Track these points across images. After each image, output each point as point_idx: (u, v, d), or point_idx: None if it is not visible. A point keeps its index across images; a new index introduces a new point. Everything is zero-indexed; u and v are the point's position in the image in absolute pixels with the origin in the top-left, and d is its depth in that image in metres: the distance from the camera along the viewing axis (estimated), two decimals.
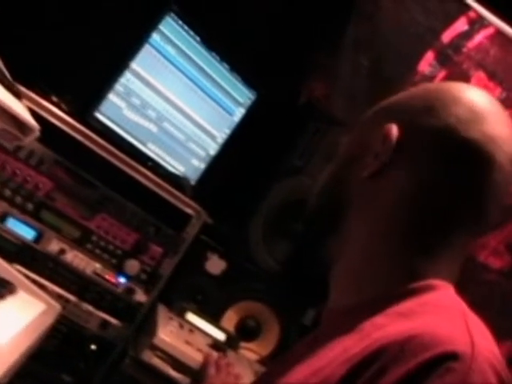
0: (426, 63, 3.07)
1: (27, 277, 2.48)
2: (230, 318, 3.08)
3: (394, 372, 0.89)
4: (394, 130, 1.14)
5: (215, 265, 3.06)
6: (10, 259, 2.52)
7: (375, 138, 1.17)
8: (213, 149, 3.19)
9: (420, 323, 0.98)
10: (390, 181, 1.14)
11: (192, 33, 2.99)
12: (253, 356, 3.06)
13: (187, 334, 2.79)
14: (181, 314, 2.94)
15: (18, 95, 2.01)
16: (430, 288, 1.08)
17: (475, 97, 1.16)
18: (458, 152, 1.10)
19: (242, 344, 3.03)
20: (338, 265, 1.20)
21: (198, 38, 3.01)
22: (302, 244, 1.33)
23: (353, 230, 1.18)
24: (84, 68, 2.94)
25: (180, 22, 2.95)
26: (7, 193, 2.63)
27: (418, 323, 0.98)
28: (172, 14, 2.91)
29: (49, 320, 2.27)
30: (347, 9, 3.17)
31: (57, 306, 2.36)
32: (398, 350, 0.92)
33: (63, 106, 2.74)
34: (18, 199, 2.65)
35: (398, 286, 1.09)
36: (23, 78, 2.38)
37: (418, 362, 0.89)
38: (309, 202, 1.29)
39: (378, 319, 1.03)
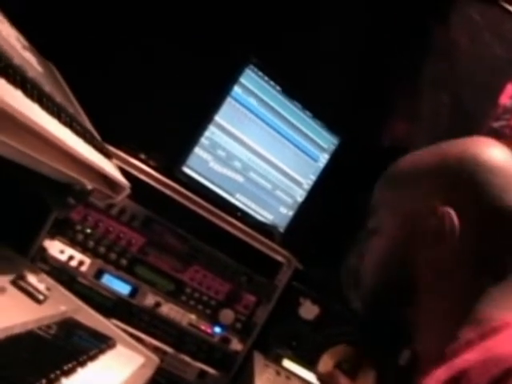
0: (507, 96, 3.02)
1: (125, 331, 2.53)
2: (326, 363, 3.06)
3: None
4: (453, 216, 1.21)
5: (308, 310, 3.06)
6: (108, 314, 2.58)
7: (424, 216, 1.25)
8: (300, 195, 3.22)
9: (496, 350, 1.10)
10: (451, 250, 1.22)
11: (272, 83, 3.05)
12: None
13: (284, 381, 2.80)
14: (277, 361, 2.95)
15: (107, 155, 2.09)
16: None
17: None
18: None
19: None
20: (418, 318, 1.28)
21: (278, 88, 3.07)
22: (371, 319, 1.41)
23: (427, 297, 1.27)
24: (169, 124, 3.02)
25: (260, 74, 3.01)
26: (102, 250, 2.72)
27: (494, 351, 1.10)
28: (251, 66, 2.98)
29: (148, 373, 2.29)
30: (424, 48, 3.17)
31: (155, 359, 2.38)
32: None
33: (152, 162, 2.82)
34: (113, 256, 2.74)
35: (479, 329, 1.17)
36: (112, 139, 2.48)
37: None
38: (362, 282, 1.37)
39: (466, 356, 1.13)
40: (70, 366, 1.64)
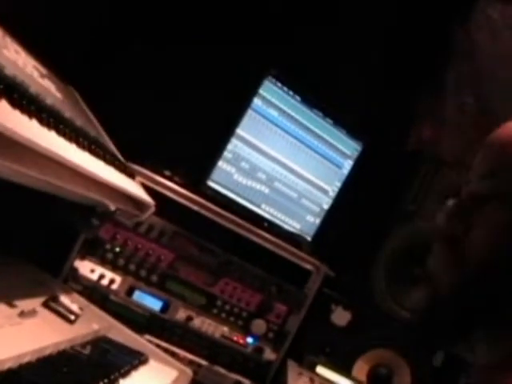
0: None
1: (158, 346, 2.57)
2: (361, 368, 3.07)
3: None
4: None
5: (340, 316, 3.07)
6: (140, 330, 2.62)
7: None
8: (326, 203, 3.23)
9: None
10: None
11: (292, 93, 3.07)
12: None
13: None
14: (311, 368, 2.97)
15: (130, 175, 2.12)
16: None
17: None
18: None
19: None
20: None
21: (298, 98, 3.09)
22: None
23: None
24: (192, 140, 3.06)
25: (279, 84, 3.04)
26: (132, 267, 2.76)
27: None
28: (270, 78, 3.01)
29: None
30: (445, 50, 3.18)
31: (189, 372, 2.40)
32: None
33: (176, 178, 2.86)
34: (143, 272, 2.78)
35: None
36: (136, 157, 2.52)
37: None
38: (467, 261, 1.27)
39: None
40: (101, 383, 1.67)
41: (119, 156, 2.17)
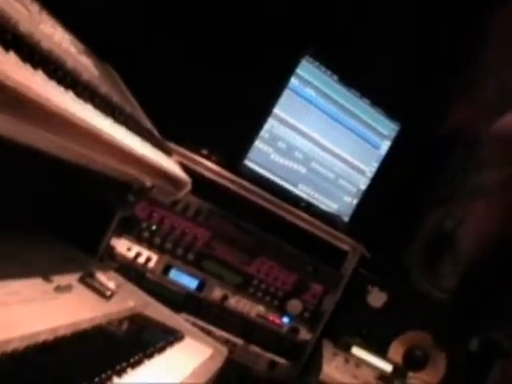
0: None
1: (194, 324, 2.57)
2: (397, 349, 3.06)
3: None
4: None
5: (376, 297, 3.06)
6: (176, 308, 2.62)
7: None
8: (363, 183, 3.21)
9: None
10: None
11: (329, 72, 3.05)
12: None
13: (353, 368, 2.81)
14: (346, 349, 2.97)
15: (168, 152, 2.13)
16: None
17: None
18: None
19: (410, 374, 3.00)
20: None
21: (335, 77, 3.07)
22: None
23: None
24: (229, 119, 3.06)
25: (316, 64, 3.02)
26: (168, 246, 2.77)
27: None
28: (308, 57, 2.99)
29: (217, 364, 2.31)
30: (485, 30, 3.13)
31: (223, 350, 2.40)
32: None
33: (213, 157, 2.86)
34: (179, 251, 2.79)
35: None
36: (173, 136, 2.52)
37: None
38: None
39: None
40: (136, 358, 1.67)
41: (156, 133, 2.17)
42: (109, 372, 1.46)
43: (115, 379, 1.46)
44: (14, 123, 1.05)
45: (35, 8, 1.61)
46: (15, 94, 0.95)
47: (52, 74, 1.20)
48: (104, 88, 1.75)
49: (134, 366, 1.62)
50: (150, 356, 1.78)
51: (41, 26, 1.54)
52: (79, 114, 1.22)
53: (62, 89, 1.24)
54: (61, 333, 1.54)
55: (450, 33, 3.21)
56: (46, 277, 1.79)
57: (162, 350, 1.93)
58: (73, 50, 1.77)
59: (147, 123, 2.19)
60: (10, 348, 1.27)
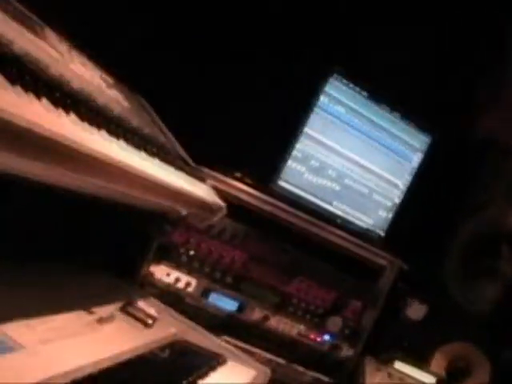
0: None
1: (235, 346, 2.58)
2: (439, 362, 3.05)
3: None
4: None
5: (416, 310, 3.06)
6: (217, 332, 2.63)
7: None
8: (397, 197, 3.22)
9: None
10: None
11: (358, 89, 3.07)
12: None
13: (397, 382, 2.81)
14: (388, 364, 2.97)
15: (201, 178, 2.16)
16: None
17: None
18: None
19: None
20: None
21: (364, 93, 3.08)
22: None
23: None
24: (261, 140, 3.08)
25: (344, 81, 3.04)
26: (206, 270, 2.79)
27: None
28: (335, 75, 3.01)
29: None
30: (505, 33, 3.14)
31: (267, 371, 2.41)
32: None
33: (247, 179, 2.88)
34: (217, 274, 2.81)
35: None
36: (205, 160, 2.55)
37: None
38: None
39: None
40: None
41: (189, 160, 2.20)
42: None
43: None
44: (50, 168, 1.08)
45: (64, 48, 1.65)
46: (50, 142, 0.98)
47: (84, 115, 1.23)
48: (135, 120, 1.79)
49: None
50: (193, 382, 1.80)
51: (71, 65, 1.58)
52: (113, 154, 1.26)
53: (95, 129, 1.27)
54: (105, 365, 1.56)
55: (478, 40, 3.21)
56: (88, 308, 1.82)
57: (205, 375, 1.94)
58: (103, 85, 1.81)
59: (180, 151, 2.22)
60: None
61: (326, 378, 2.90)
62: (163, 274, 2.73)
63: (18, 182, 1.67)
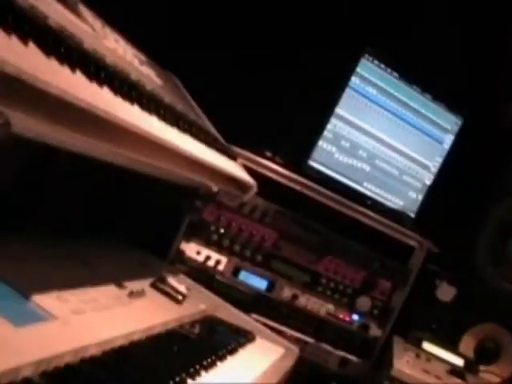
0: None
1: (264, 324, 2.59)
2: (468, 343, 3.05)
3: None
4: None
5: (445, 292, 3.06)
6: (247, 309, 2.66)
7: None
8: (428, 179, 3.21)
9: None
10: None
11: (389, 70, 3.06)
12: (494, 379, 3.00)
13: (424, 363, 2.82)
14: (417, 344, 2.97)
15: (232, 157, 2.17)
16: None
17: None
18: None
19: (482, 368, 2.99)
20: None
21: (395, 74, 3.08)
22: None
23: None
24: (292, 121, 3.09)
25: (376, 62, 3.03)
26: (236, 248, 2.82)
27: None
28: (367, 56, 3.01)
29: (288, 363, 2.33)
30: None
31: (295, 349, 2.41)
32: None
33: (278, 159, 2.89)
34: (248, 253, 2.83)
35: None
36: (236, 139, 2.56)
37: None
38: None
39: None
40: (209, 360, 1.71)
41: (220, 138, 2.21)
42: (183, 375, 1.49)
43: (189, 382, 1.50)
44: (85, 140, 1.10)
45: (98, 24, 1.67)
46: (83, 112, 1.00)
47: (117, 89, 1.25)
48: (168, 97, 1.81)
49: (206, 368, 1.65)
50: (222, 358, 1.81)
51: (104, 41, 1.60)
52: (145, 127, 1.27)
53: (127, 103, 1.29)
54: (136, 338, 1.59)
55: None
56: (120, 283, 1.85)
57: (233, 351, 1.95)
58: (136, 61, 1.82)
59: (211, 129, 2.24)
60: (87, 354, 1.32)
61: (353, 358, 2.91)
62: (194, 251, 2.76)
63: (54, 156, 1.70)
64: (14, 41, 0.89)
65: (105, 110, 1.07)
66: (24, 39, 0.91)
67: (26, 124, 0.91)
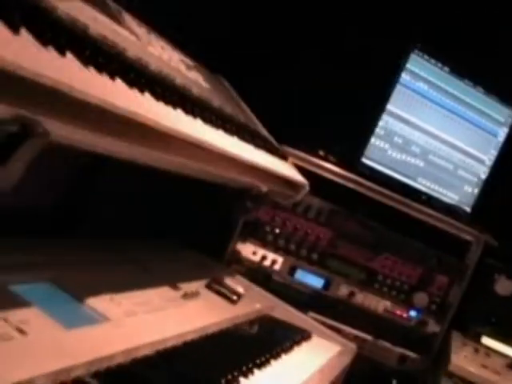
0: None
1: (322, 323, 2.60)
2: None
3: None
4: None
5: (504, 286, 3.03)
6: (304, 308, 2.68)
7: None
8: (483, 172, 3.19)
9: None
10: None
11: (440, 64, 3.05)
12: None
13: (483, 358, 2.80)
14: (475, 339, 2.96)
15: (283, 157, 2.19)
16: None
17: None
18: None
19: None
20: None
21: (446, 69, 3.06)
22: None
23: None
24: (343, 119, 3.09)
25: (426, 57, 3.02)
26: (292, 247, 2.84)
27: None
28: (416, 51, 3.00)
29: (345, 360, 2.33)
30: None
31: (352, 347, 2.42)
32: None
33: (331, 158, 2.90)
34: (303, 252, 2.85)
35: None
36: (288, 139, 2.59)
37: None
38: None
39: None
40: (262, 358, 1.73)
41: (271, 139, 2.23)
42: (235, 373, 1.51)
43: (242, 380, 1.52)
44: (126, 146, 1.14)
45: (143, 31, 1.71)
46: (122, 119, 1.03)
47: (159, 94, 1.28)
48: (216, 101, 1.84)
49: (260, 366, 1.67)
50: (276, 356, 1.83)
51: (149, 48, 1.64)
52: (187, 131, 1.30)
53: (170, 108, 1.32)
54: (189, 338, 1.61)
55: None
56: (174, 285, 1.88)
57: (289, 349, 1.97)
58: (182, 67, 1.86)
59: (261, 130, 2.26)
60: (140, 354, 1.35)
61: (412, 354, 2.91)
62: (249, 251, 2.79)
63: (106, 162, 1.75)
64: (52, 52, 0.92)
65: (144, 116, 1.10)
66: (61, 50, 0.94)
67: (65, 132, 0.95)
